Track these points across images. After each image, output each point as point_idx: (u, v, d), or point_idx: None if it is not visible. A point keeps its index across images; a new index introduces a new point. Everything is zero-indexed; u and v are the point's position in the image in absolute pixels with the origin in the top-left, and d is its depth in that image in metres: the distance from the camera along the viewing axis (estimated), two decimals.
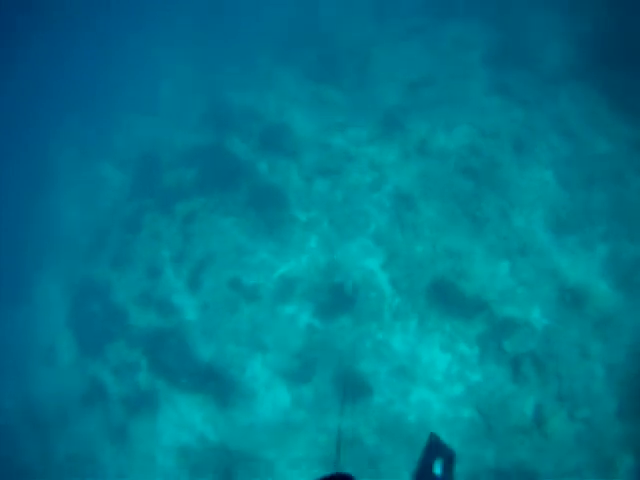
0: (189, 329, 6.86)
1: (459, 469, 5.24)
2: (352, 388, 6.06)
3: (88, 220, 8.48)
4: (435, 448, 4.85)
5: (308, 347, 6.51)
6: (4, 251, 8.95)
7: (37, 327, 7.96)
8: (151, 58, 10.68)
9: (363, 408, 6.22)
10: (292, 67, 9.10)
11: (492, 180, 7.19)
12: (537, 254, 6.91)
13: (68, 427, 7.18)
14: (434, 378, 6.57)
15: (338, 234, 6.98)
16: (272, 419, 6.27)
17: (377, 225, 7.02)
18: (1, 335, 8.37)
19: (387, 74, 8.49)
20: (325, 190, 7.28)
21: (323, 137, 7.84)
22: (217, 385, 6.45)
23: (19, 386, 7.87)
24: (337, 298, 6.71)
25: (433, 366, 6.55)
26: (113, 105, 9.89)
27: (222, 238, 7.19)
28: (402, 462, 6.30)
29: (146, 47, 10.88)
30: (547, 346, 6.53)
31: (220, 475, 6.09)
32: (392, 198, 7.17)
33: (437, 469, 5.49)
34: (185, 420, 6.42)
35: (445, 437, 6.23)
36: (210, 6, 11.40)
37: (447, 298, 6.69)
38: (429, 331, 6.59)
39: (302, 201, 7.23)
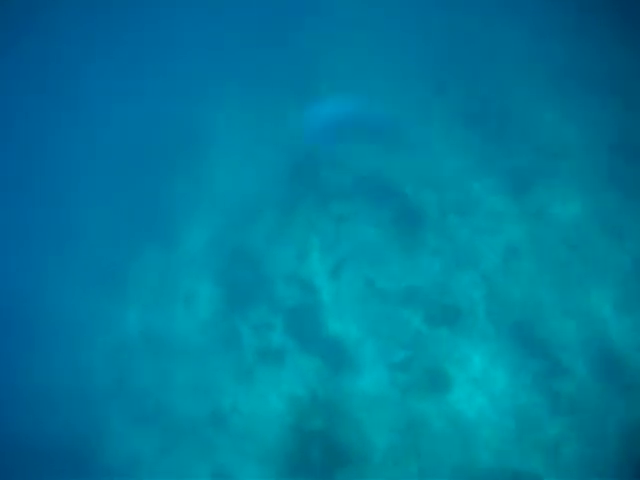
0: (323, 307, 8.60)
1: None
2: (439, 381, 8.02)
3: (242, 192, 9.86)
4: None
5: (412, 344, 8.36)
6: (159, 197, 10.32)
7: (179, 273, 9.53)
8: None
9: (439, 398, 8.20)
10: (445, 101, 10.23)
11: (583, 255, 8.81)
12: (599, 322, 8.68)
13: (192, 360, 8.98)
14: (494, 392, 8.52)
15: (456, 264, 8.62)
16: (371, 391, 8.21)
17: (486, 264, 8.66)
18: (140, 269, 9.94)
19: (523, 131, 9.76)
20: (454, 225, 8.85)
21: (461, 178, 9.27)
22: (335, 355, 8.29)
23: (147, 317, 9.54)
24: (443, 314, 8.48)
25: (495, 383, 8.48)
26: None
27: (365, 243, 8.76)
28: (454, 445, 8.37)
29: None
30: (583, 391, 8.47)
31: (318, 423, 8.09)
32: (503, 246, 8.77)
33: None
34: (300, 376, 8.30)
35: (485, 438, 8.28)
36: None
37: (522, 335, 8.50)
38: (502, 356, 8.46)
39: (435, 230, 8.80)
